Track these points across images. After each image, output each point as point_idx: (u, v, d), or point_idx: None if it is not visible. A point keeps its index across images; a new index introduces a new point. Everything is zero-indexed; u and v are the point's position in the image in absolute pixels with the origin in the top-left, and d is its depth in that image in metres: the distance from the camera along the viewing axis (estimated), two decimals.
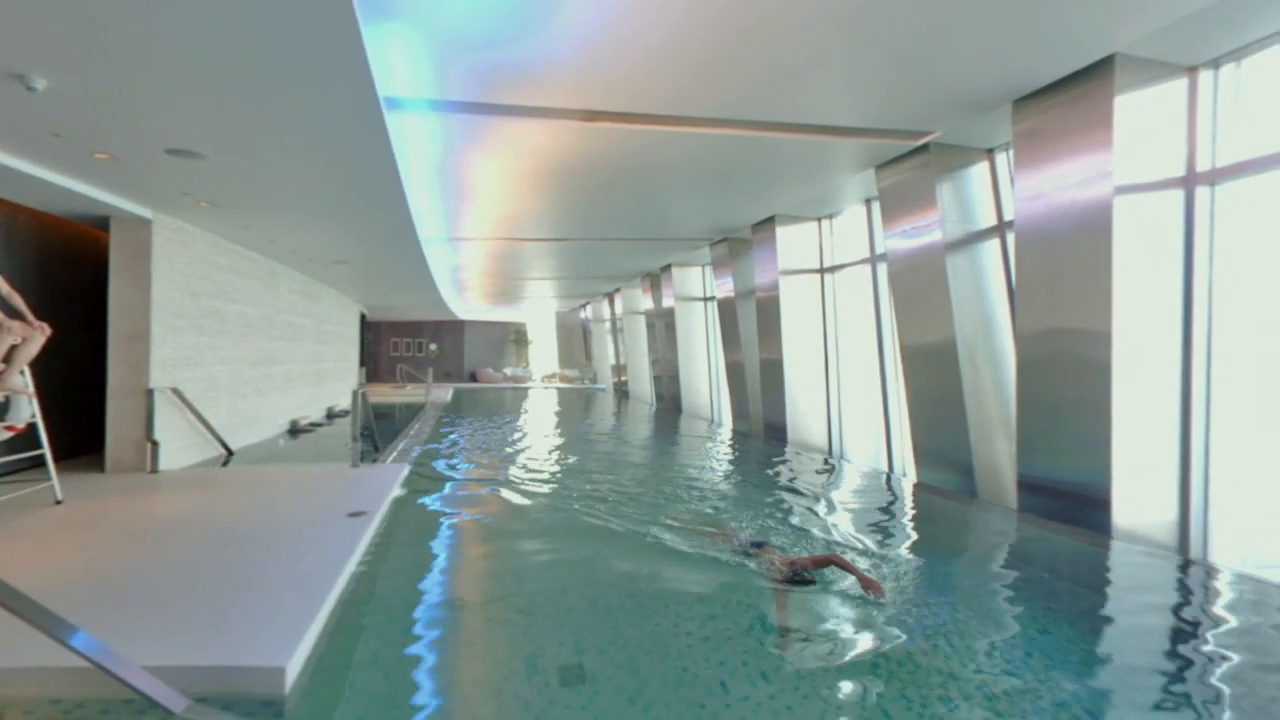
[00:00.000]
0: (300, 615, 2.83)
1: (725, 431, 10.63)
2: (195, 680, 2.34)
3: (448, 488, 6.10)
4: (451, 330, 28.09)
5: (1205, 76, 4.14)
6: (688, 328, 13.14)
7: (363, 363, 20.92)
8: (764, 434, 9.43)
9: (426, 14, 3.36)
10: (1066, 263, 4.48)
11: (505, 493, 5.89)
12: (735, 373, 10.60)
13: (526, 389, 23.92)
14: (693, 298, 13.19)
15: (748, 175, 6.62)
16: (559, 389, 23.99)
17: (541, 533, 4.58)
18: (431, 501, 5.55)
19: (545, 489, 6.10)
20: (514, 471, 6.97)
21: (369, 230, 7.53)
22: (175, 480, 5.91)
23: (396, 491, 5.64)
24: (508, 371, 28.24)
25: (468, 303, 21.91)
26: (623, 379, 19.50)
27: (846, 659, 2.73)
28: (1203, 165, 4.17)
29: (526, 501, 5.57)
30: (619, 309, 18.78)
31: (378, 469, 6.44)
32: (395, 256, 9.60)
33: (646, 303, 15.26)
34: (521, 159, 5.86)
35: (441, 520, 4.98)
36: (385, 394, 19.81)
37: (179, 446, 6.69)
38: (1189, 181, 4.20)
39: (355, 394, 6.44)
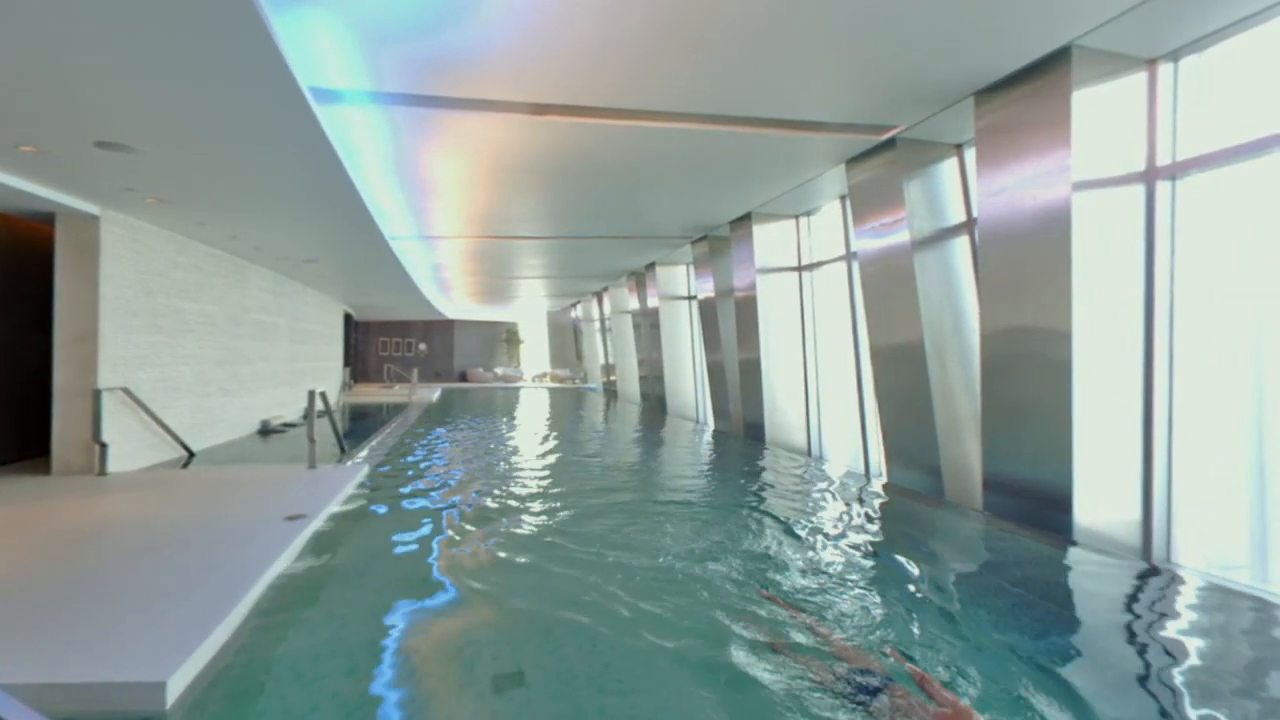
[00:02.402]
0: (197, 625, 2.69)
1: (708, 432, 10.51)
2: (63, 699, 2.21)
3: (401, 490, 5.96)
4: (441, 330, 27.97)
5: (1164, 69, 4.02)
6: (672, 327, 13.02)
7: (348, 362, 20.77)
8: (744, 434, 9.33)
9: (344, 1, 3.23)
10: (1027, 261, 4.38)
11: (461, 497, 5.76)
12: (716, 373, 10.49)
13: (517, 389, 23.81)
14: (677, 296, 13.07)
15: (719, 171, 6.49)
16: (549, 389, 23.88)
17: (492, 543, 4.42)
18: (380, 505, 5.39)
19: (503, 493, 5.96)
20: (474, 475, 6.84)
21: (331, 227, 7.39)
22: (121, 483, 5.77)
23: (346, 494, 5.51)
24: (498, 371, 28.12)
25: (455, 302, 21.77)
26: (612, 378, 19.39)
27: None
28: (1163, 159, 4.05)
29: (481, 507, 5.43)
30: (607, 308, 18.66)
31: (334, 470, 6.31)
32: (365, 254, 9.46)
33: (632, 302, 15.14)
34: (478, 155, 5.73)
35: (384, 524, 4.82)
36: (372, 394, 19.70)
37: (133, 448, 6.56)
38: (1149, 176, 4.08)
39: (312, 394, 6.30)
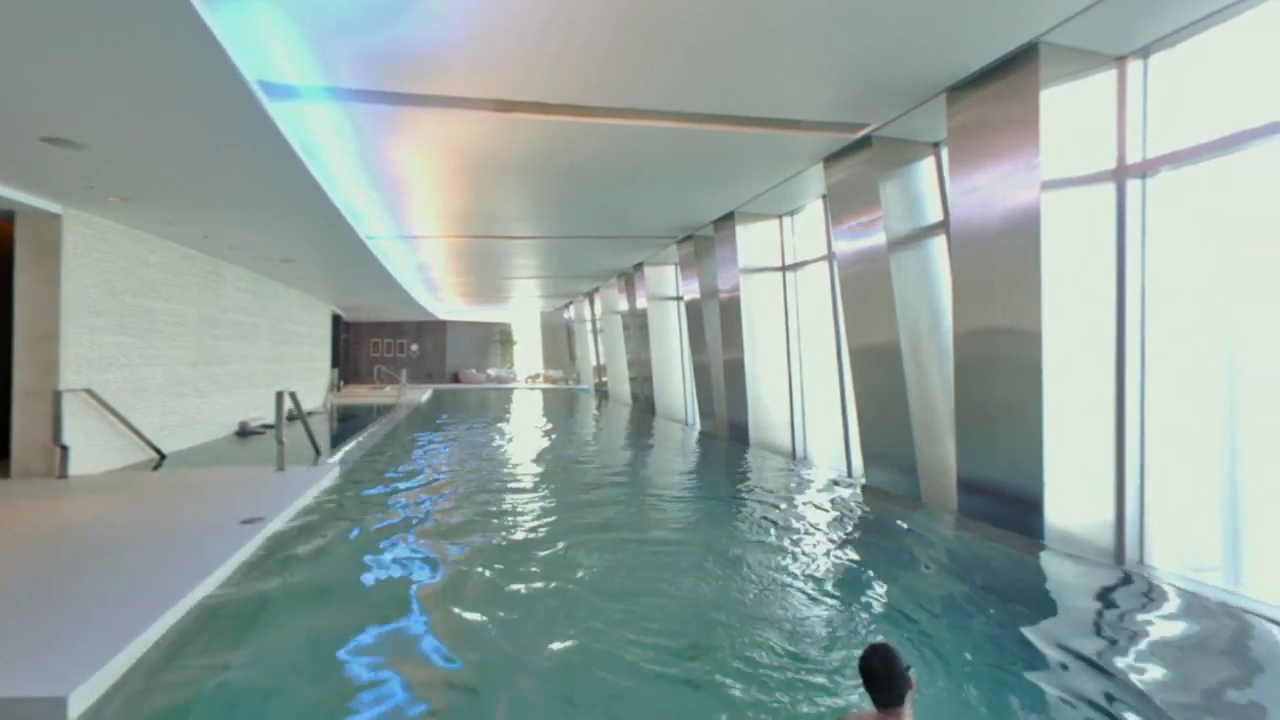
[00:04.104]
0: (113, 637, 2.58)
1: (693, 435, 10.42)
2: None
3: (368, 493, 5.85)
4: (433, 331, 27.84)
5: (1134, 66, 3.93)
6: (661, 328, 12.93)
7: (336, 363, 20.65)
8: (728, 435, 9.23)
9: None
10: (998, 261, 4.29)
11: (428, 499, 5.66)
12: (702, 374, 10.40)
13: (509, 389, 23.74)
14: (665, 297, 12.97)
15: (696, 170, 6.40)
16: (541, 390, 23.79)
17: (456, 552, 4.30)
18: (344, 508, 5.28)
19: (473, 498, 5.86)
20: (446, 478, 6.74)
21: (304, 226, 7.28)
22: (80, 486, 5.66)
23: (311, 496, 5.40)
24: (491, 372, 28.01)
25: (446, 302, 21.65)
26: (603, 380, 19.30)
27: None
28: (1133, 157, 3.96)
29: (447, 511, 5.33)
30: (598, 309, 18.57)
31: (303, 473, 6.19)
32: (343, 254, 9.36)
33: (622, 303, 15.05)
34: (447, 153, 5.63)
35: (342, 529, 4.70)
36: (361, 395, 19.60)
37: (98, 450, 6.44)
38: (1119, 174, 4.00)
39: (280, 395, 6.20)
